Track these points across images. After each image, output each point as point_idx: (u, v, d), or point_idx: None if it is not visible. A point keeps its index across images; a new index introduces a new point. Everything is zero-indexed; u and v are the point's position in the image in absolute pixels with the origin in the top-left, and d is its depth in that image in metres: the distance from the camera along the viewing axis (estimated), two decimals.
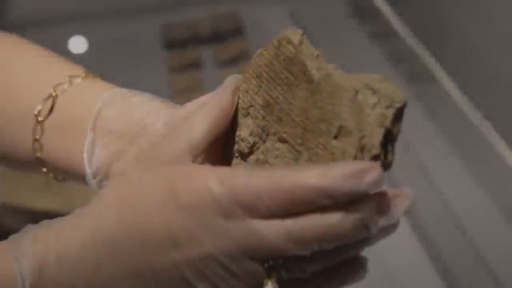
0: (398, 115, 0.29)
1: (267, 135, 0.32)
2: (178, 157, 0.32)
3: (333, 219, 0.28)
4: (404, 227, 0.71)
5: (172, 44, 1.01)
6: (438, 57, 0.85)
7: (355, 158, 0.29)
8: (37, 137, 0.41)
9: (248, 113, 0.33)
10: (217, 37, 1.02)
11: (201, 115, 0.33)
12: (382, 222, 0.29)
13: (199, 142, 0.32)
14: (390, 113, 0.29)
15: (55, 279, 0.32)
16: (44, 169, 0.42)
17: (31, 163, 0.42)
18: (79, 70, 0.43)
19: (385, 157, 0.29)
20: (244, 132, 0.33)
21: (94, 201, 0.33)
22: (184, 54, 0.99)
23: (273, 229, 0.29)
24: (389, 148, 0.29)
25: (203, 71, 0.98)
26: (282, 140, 0.31)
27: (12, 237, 0.33)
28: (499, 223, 0.70)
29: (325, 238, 0.28)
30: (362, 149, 0.29)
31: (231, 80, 0.34)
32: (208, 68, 0.99)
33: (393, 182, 0.75)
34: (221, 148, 0.35)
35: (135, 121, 0.39)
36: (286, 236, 0.28)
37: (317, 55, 0.31)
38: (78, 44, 1.02)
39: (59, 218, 0.34)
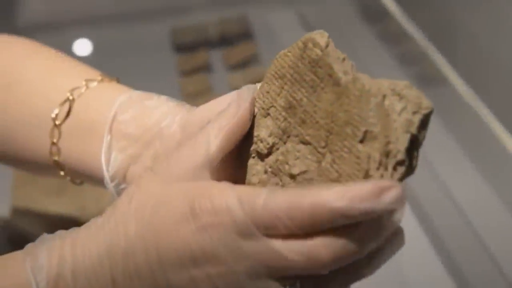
0: (424, 122, 0.30)
1: (288, 136, 0.32)
2: (196, 171, 0.32)
3: (352, 236, 0.28)
4: (413, 227, 0.70)
5: (181, 47, 1.00)
6: (449, 58, 0.84)
7: (380, 163, 0.29)
8: (54, 140, 0.41)
9: (268, 114, 0.33)
10: (226, 40, 1.02)
11: (217, 127, 0.33)
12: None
13: (216, 155, 0.32)
14: (416, 119, 0.29)
15: None
16: (62, 173, 0.42)
17: (49, 167, 0.42)
18: (95, 74, 0.43)
19: (410, 162, 0.30)
20: (263, 132, 0.33)
21: (108, 212, 0.33)
22: (193, 58, 0.99)
23: (291, 248, 0.29)
24: (414, 154, 0.30)
25: (213, 75, 0.98)
26: (304, 142, 0.31)
27: (27, 248, 0.33)
28: (508, 221, 0.70)
29: (342, 256, 0.28)
30: (387, 154, 0.29)
31: (248, 91, 0.34)
32: (217, 71, 0.98)
33: (406, 187, 0.74)
34: (236, 151, 0.35)
35: (151, 124, 0.39)
36: (304, 255, 0.29)
37: (343, 59, 0.31)
38: (86, 48, 1.02)
39: (73, 229, 0.34)
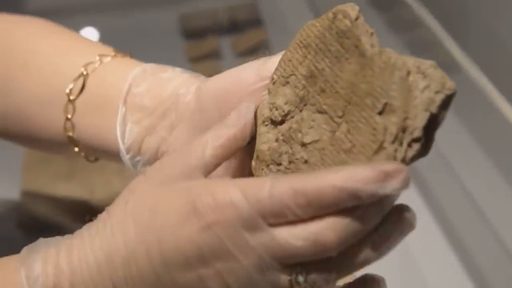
0: (446, 103, 0.30)
1: (305, 105, 0.32)
2: (190, 172, 0.32)
3: (356, 213, 0.28)
4: (429, 224, 0.70)
5: (190, 34, 1.00)
6: (462, 45, 0.83)
7: (396, 137, 0.29)
8: (68, 116, 0.41)
9: (287, 82, 0.33)
10: (235, 27, 1.01)
11: (215, 134, 0.33)
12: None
13: (210, 162, 0.32)
14: (438, 98, 0.29)
15: None
16: (76, 149, 0.42)
17: (63, 144, 0.42)
18: (108, 50, 0.43)
19: (425, 142, 0.30)
20: (280, 100, 0.33)
21: (103, 218, 0.32)
22: (202, 44, 0.98)
23: (297, 236, 0.29)
24: (431, 134, 0.30)
25: (222, 61, 0.97)
26: (321, 111, 0.32)
27: (22, 255, 0.33)
28: None
29: (347, 235, 0.28)
30: (404, 130, 0.29)
31: (249, 109, 0.34)
32: (226, 58, 0.98)
33: (419, 180, 0.74)
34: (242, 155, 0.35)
35: (165, 96, 0.38)
36: (310, 240, 0.28)
37: (371, 33, 0.32)
38: (93, 35, 1.02)
39: (67, 236, 0.33)
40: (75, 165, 0.69)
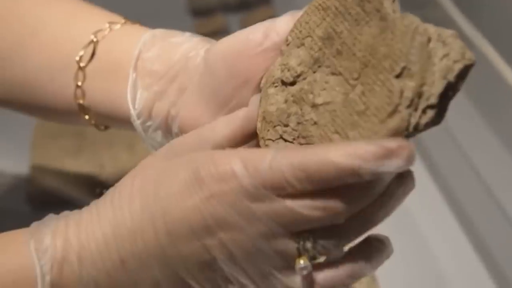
0: (463, 73, 0.30)
1: (319, 66, 0.33)
2: (198, 148, 0.32)
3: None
4: (448, 219, 0.69)
5: (198, 12, 0.99)
6: (474, 22, 0.82)
7: (412, 102, 0.29)
8: (79, 83, 0.41)
9: (302, 44, 0.33)
10: (243, 5, 1.00)
11: (227, 120, 0.33)
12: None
13: (221, 142, 0.32)
14: (457, 67, 0.29)
15: (76, 275, 0.31)
16: (86, 117, 0.42)
17: (73, 112, 0.42)
18: (118, 17, 0.43)
19: (440, 111, 0.30)
20: (293, 61, 0.33)
21: (111, 193, 0.33)
22: (210, 22, 0.97)
23: (304, 204, 0.29)
24: (446, 103, 0.30)
25: None
26: (335, 73, 0.32)
27: (32, 228, 0.33)
28: None
29: (357, 201, 0.29)
30: (420, 95, 0.29)
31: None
32: None
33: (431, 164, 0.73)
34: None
35: (175, 60, 0.38)
36: (320, 207, 0.28)
37: (393, 0, 0.32)
38: None
39: (76, 211, 0.33)
40: (84, 140, 0.69)
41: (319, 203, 0.28)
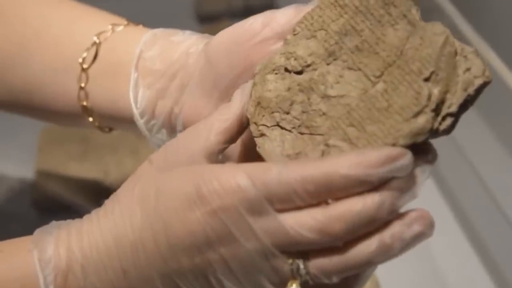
0: (481, 89, 0.32)
1: (334, 59, 0.33)
2: (194, 158, 0.32)
3: (361, 203, 0.28)
4: (452, 226, 0.69)
5: (204, 18, 1.00)
6: (478, 29, 0.82)
7: (436, 106, 0.31)
8: (82, 85, 0.41)
9: (314, 36, 0.34)
10: (250, 11, 1.00)
11: (219, 119, 0.33)
12: (407, 199, 0.29)
13: (215, 147, 0.32)
14: (477, 82, 0.31)
15: (80, 285, 0.32)
16: (90, 119, 0.42)
17: (76, 115, 0.42)
18: (120, 20, 0.43)
19: (454, 121, 0.31)
20: (302, 51, 0.34)
21: (111, 202, 0.33)
22: (217, 29, 0.97)
23: (304, 225, 0.28)
24: (458, 115, 0.32)
25: None
26: (353, 68, 0.33)
27: (35, 236, 0.33)
28: None
29: (355, 228, 0.28)
30: (442, 102, 0.31)
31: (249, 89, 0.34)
32: None
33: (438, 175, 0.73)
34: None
35: (176, 58, 0.38)
36: (316, 230, 0.28)
37: (417, 9, 0.33)
38: None
39: (77, 220, 0.33)
40: (89, 146, 0.69)
41: (319, 222, 0.28)
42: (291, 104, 0.33)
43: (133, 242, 0.31)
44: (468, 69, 0.31)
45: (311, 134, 0.32)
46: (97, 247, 0.32)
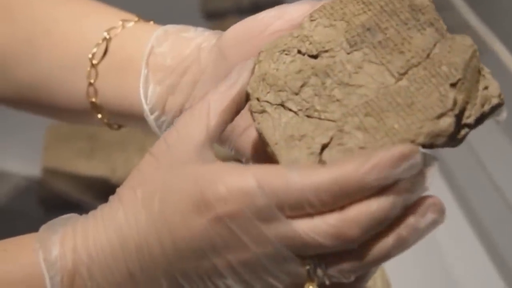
0: (493, 110, 0.33)
1: (356, 50, 0.34)
2: (198, 152, 0.31)
3: (375, 205, 0.28)
4: (461, 223, 0.68)
5: (211, 15, 0.99)
6: (492, 27, 0.81)
7: (459, 113, 0.31)
8: (91, 81, 0.41)
9: (333, 25, 0.34)
10: (257, 8, 0.99)
11: (217, 98, 0.32)
12: (419, 193, 0.29)
13: (215, 132, 0.31)
14: (493, 101, 0.33)
15: (86, 286, 0.31)
16: (99, 115, 0.42)
17: (85, 112, 0.42)
18: (131, 16, 0.43)
19: (466, 133, 0.32)
20: (319, 37, 0.34)
21: (115, 201, 0.32)
22: (224, 25, 0.97)
23: (317, 230, 0.28)
24: (472, 128, 0.33)
25: None
26: (375, 63, 0.33)
27: (41, 234, 0.32)
28: None
29: (369, 229, 0.28)
30: (463, 111, 0.32)
31: (248, 66, 0.33)
32: None
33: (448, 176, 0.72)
34: None
35: (187, 54, 0.38)
36: (330, 235, 0.28)
37: (440, 19, 0.35)
38: None
39: (83, 217, 0.33)
40: (96, 143, 0.68)
41: (333, 227, 0.28)
42: (302, 86, 0.33)
43: (138, 244, 0.31)
44: (486, 87, 0.33)
45: (320, 118, 0.32)
46: (103, 248, 0.31)
